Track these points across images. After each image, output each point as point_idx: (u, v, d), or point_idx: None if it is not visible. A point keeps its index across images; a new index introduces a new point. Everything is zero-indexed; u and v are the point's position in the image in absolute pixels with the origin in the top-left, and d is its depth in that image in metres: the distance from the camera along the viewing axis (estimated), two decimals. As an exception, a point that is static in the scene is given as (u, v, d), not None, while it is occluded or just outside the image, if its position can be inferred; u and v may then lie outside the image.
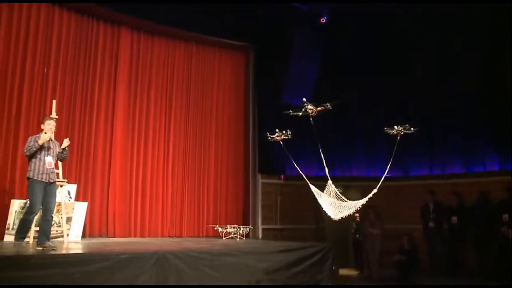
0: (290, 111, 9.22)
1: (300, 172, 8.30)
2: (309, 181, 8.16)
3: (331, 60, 10.93)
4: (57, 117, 7.27)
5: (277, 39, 10.97)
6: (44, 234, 6.04)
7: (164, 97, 10.68)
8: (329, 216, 11.60)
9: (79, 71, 9.46)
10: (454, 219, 9.64)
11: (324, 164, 7.84)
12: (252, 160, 11.19)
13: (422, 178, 11.14)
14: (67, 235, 7.57)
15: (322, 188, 7.93)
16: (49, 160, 6.11)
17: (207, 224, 10.68)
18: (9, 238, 7.53)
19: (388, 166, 7.74)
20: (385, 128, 7.81)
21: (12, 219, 7.62)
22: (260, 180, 11.11)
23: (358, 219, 10.67)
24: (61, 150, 6.47)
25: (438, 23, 10.56)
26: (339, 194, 7.79)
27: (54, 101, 7.64)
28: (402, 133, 7.69)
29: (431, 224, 9.91)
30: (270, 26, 10.98)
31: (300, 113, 8.01)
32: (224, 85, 11.59)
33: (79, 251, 6.49)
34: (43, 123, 6.39)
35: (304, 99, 7.97)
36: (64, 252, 6.12)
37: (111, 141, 9.75)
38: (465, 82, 10.36)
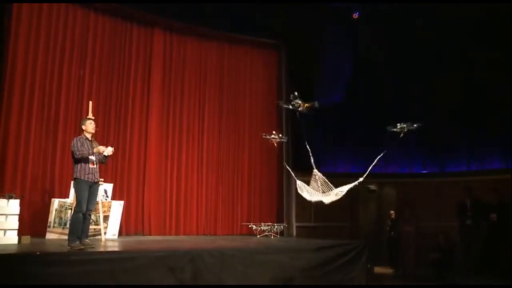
0: (280, 102, 9.09)
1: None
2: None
3: (364, 58, 10.81)
4: (93, 118, 7.42)
5: (309, 36, 10.90)
6: (82, 232, 6.21)
7: (197, 97, 10.80)
8: (365, 214, 11.52)
9: (114, 73, 9.69)
10: (494, 216, 9.34)
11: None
12: (285, 157, 11.16)
13: (459, 174, 10.88)
14: (104, 233, 7.78)
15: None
16: (92, 160, 6.28)
17: (241, 222, 10.74)
18: (50, 235, 7.80)
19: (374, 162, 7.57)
20: (388, 127, 7.64)
21: (53, 217, 7.89)
22: (294, 177, 11.03)
23: (393, 216, 10.52)
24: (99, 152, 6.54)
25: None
26: (326, 181, 7.69)
27: (90, 102, 7.81)
28: (405, 130, 7.49)
29: (468, 222, 9.68)
30: (302, 24, 10.90)
31: (290, 107, 7.95)
32: (257, 83, 11.60)
33: (116, 249, 6.68)
34: (83, 123, 6.48)
35: (296, 93, 7.87)
36: (101, 249, 6.28)
37: (146, 140, 9.93)
38: (504, 77, 10.08)
